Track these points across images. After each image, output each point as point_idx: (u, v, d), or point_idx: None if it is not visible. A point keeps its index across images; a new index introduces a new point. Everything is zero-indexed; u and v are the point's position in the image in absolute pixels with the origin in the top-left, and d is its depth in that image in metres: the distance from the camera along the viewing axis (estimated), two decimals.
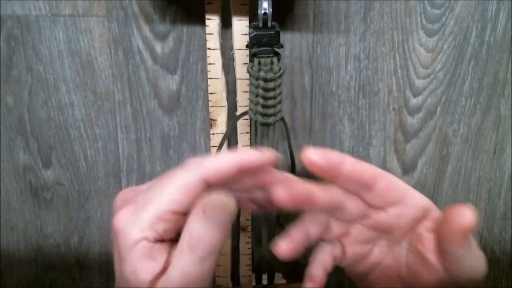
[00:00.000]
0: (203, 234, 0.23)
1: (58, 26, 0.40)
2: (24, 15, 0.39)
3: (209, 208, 0.23)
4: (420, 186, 0.45)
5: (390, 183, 0.27)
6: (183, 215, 0.23)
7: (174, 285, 0.22)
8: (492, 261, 0.48)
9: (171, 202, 0.23)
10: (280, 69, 0.33)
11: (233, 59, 0.39)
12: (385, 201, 0.27)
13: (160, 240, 0.24)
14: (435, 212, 0.27)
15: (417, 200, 0.27)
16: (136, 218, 0.23)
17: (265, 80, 0.32)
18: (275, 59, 0.33)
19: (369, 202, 0.27)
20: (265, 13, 0.32)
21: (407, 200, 0.27)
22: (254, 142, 0.35)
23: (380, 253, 0.29)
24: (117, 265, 0.24)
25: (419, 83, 0.42)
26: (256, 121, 0.34)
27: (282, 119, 0.35)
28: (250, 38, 0.32)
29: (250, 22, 0.37)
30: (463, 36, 0.41)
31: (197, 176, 0.23)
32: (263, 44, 0.32)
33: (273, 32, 0.32)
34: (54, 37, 0.40)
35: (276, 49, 0.33)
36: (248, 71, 0.33)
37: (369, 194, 0.27)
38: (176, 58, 0.41)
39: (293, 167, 0.39)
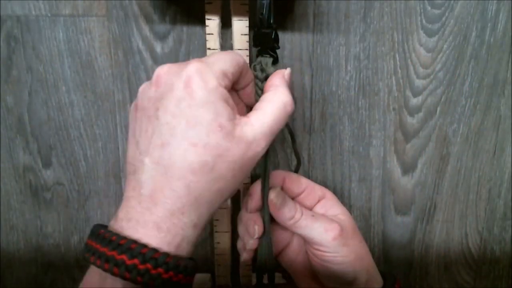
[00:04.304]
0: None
1: (58, 26, 0.40)
2: (24, 15, 0.39)
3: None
4: (420, 186, 0.45)
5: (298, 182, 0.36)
6: (231, 84, 0.28)
7: (257, 131, 0.26)
8: (492, 261, 0.48)
9: (230, 66, 0.27)
10: (277, 69, 0.33)
11: None
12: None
13: None
14: (329, 195, 0.36)
15: (317, 192, 0.36)
16: (209, 69, 0.26)
17: (264, 80, 0.32)
18: (269, 60, 0.32)
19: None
20: (264, 13, 0.31)
21: (308, 192, 0.36)
22: None
23: (298, 244, 0.37)
24: (180, 111, 0.25)
25: (419, 83, 0.43)
26: None
27: None
28: (251, 38, 0.32)
29: (250, 22, 0.37)
30: (463, 36, 0.41)
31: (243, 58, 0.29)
32: (263, 44, 0.32)
33: (272, 32, 0.32)
34: (54, 37, 0.40)
35: (275, 49, 0.33)
36: None
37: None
38: (176, 58, 0.41)
39: (299, 163, 0.39)
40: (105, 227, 0.26)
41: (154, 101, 0.25)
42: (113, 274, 0.23)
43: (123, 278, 0.23)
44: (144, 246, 0.24)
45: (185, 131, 0.24)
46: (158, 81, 0.26)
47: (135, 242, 0.24)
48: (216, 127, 0.25)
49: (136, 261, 0.23)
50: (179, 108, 0.25)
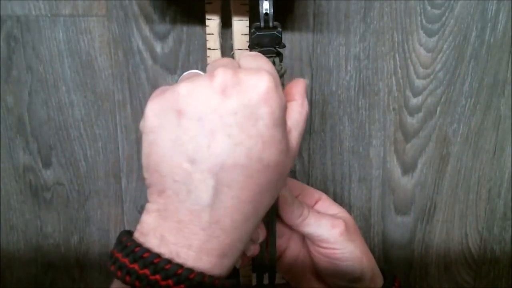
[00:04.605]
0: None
1: (58, 26, 0.40)
2: (24, 15, 0.39)
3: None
4: (420, 186, 0.45)
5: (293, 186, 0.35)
6: None
7: (296, 141, 0.26)
8: (492, 261, 0.48)
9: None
10: (281, 69, 0.33)
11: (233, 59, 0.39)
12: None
13: None
14: (325, 197, 0.36)
15: (313, 194, 0.36)
16: (278, 82, 0.24)
17: None
18: (276, 60, 0.32)
19: None
20: (266, 13, 0.31)
21: (304, 195, 0.36)
22: None
23: (296, 248, 0.36)
24: (257, 131, 0.23)
25: (419, 83, 0.43)
26: None
27: None
28: (252, 39, 0.32)
29: (250, 22, 0.37)
30: (463, 36, 0.41)
31: None
32: (265, 44, 0.32)
33: (275, 32, 0.32)
34: (54, 37, 0.40)
35: (278, 49, 0.33)
36: None
37: None
38: (176, 58, 0.41)
39: None
40: (145, 249, 0.23)
41: (223, 115, 0.22)
42: None
43: None
44: (215, 278, 0.23)
45: (261, 152, 0.23)
46: (225, 90, 0.23)
47: (203, 274, 0.22)
48: (285, 145, 0.24)
49: None
50: (256, 128, 0.23)
